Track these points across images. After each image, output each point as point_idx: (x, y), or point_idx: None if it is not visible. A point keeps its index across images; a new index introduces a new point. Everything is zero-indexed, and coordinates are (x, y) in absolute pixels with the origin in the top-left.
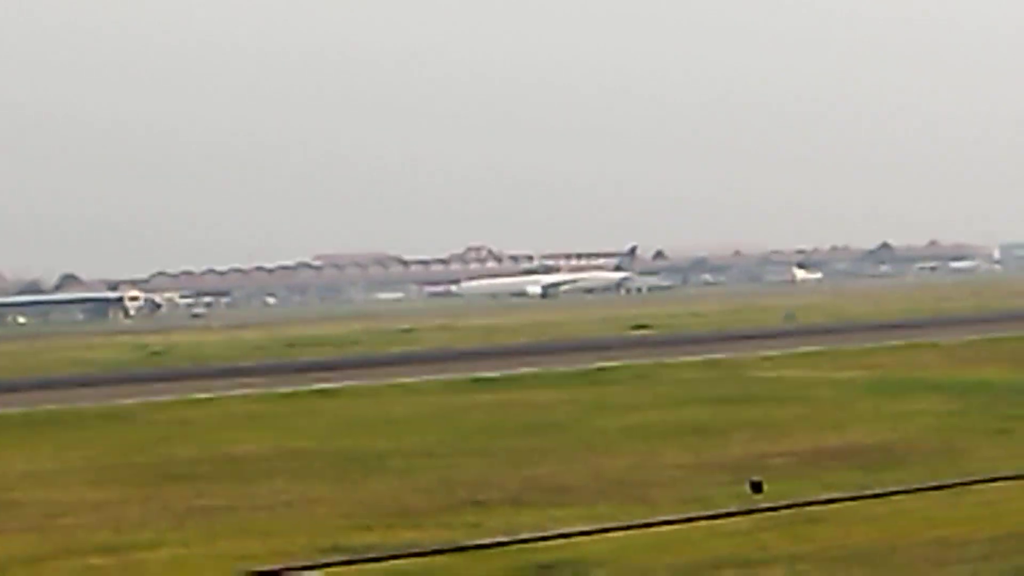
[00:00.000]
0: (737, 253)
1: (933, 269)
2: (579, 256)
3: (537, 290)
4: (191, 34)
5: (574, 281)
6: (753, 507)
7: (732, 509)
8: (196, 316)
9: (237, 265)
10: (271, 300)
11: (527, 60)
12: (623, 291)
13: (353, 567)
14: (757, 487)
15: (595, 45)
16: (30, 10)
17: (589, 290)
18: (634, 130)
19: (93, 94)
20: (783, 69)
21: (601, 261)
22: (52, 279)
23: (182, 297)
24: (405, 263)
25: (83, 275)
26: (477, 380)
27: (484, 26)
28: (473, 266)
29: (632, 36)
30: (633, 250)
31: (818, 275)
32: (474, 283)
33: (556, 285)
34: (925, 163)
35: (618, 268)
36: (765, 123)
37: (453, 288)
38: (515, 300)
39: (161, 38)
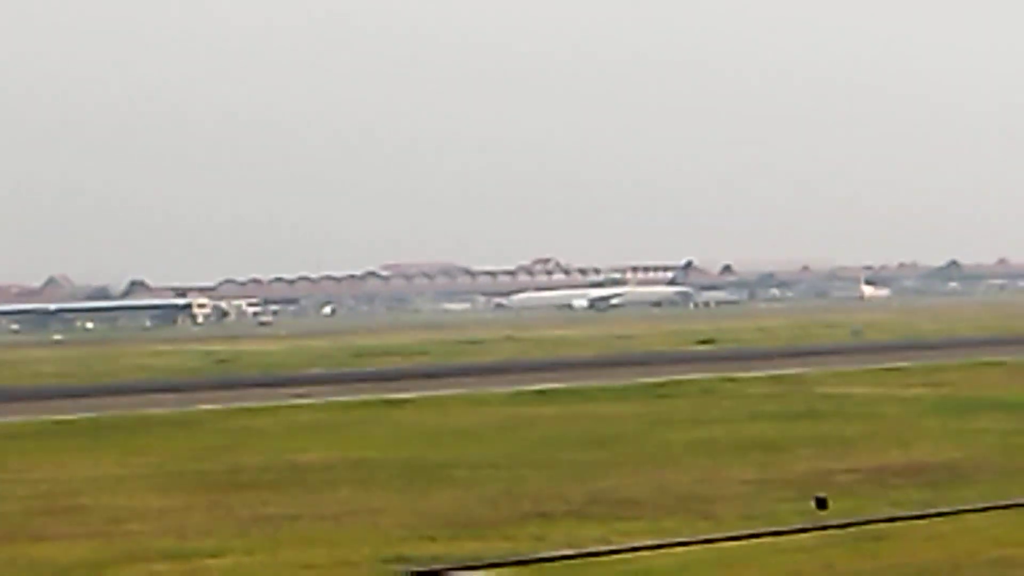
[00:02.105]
0: (805, 268)
1: (1002, 287)
2: (647, 269)
3: (584, 303)
4: (267, 29)
5: (620, 295)
6: (818, 523)
7: (797, 526)
8: (263, 324)
9: (305, 273)
10: (327, 310)
11: (594, 61)
12: (691, 305)
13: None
14: (822, 503)
15: (657, 41)
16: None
17: (657, 303)
18: (703, 142)
19: (166, 96)
20: (848, 75)
21: (660, 275)
22: (120, 285)
23: (250, 305)
24: (472, 274)
25: (151, 282)
26: (543, 392)
27: (558, 21)
28: (540, 278)
29: (694, 31)
30: (689, 264)
31: (886, 292)
32: (523, 295)
33: (604, 299)
34: (996, 179)
35: (672, 282)
36: (836, 135)
37: (503, 301)
38: (582, 313)
39: (230, 31)
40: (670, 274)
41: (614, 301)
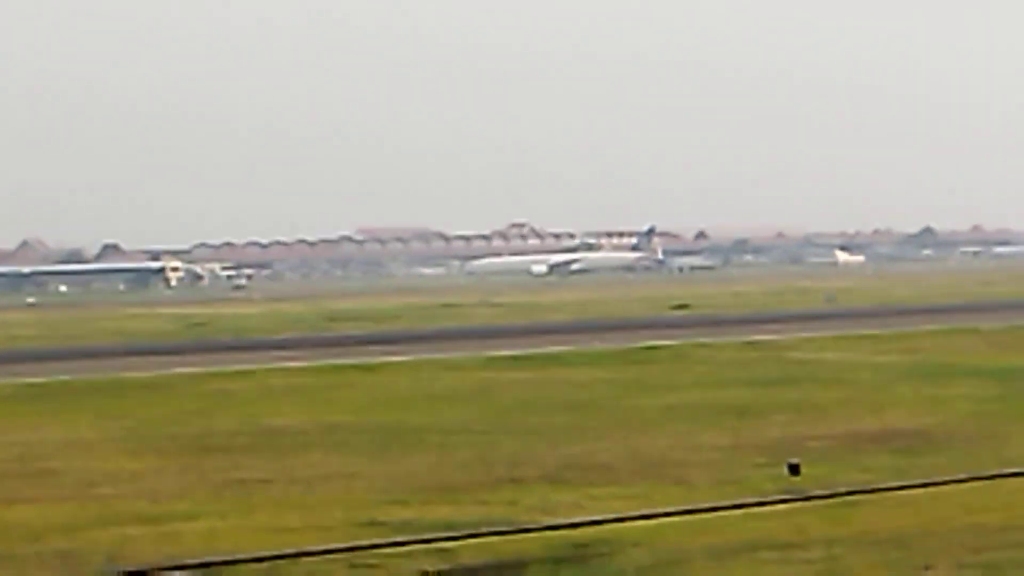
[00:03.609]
0: (779, 235)
1: (976, 254)
2: (621, 235)
3: (543, 269)
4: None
5: (577, 261)
6: (790, 490)
7: (772, 495)
8: (237, 288)
9: (279, 238)
10: (290, 275)
11: (568, 37)
12: (670, 271)
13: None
14: (795, 469)
15: (631, 21)
16: None
17: (628, 268)
18: (678, 110)
19: (140, 64)
20: (823, 45)
21: (624, 241)
22: (94, 249)
23: (224, 269)
24: (447, 239)
25: (125, 245)
26: (516, 357)
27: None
28: (515, 242)
29: (669, 5)
30: (651, 230)
31: (860, 258)
32: (484, 261)
33: (565, 264)
34: (969, 146)
35: (635, 248)
36: (808, 103)
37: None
38: (555, 278)
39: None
40: (625, 240)
41: (574, 267)
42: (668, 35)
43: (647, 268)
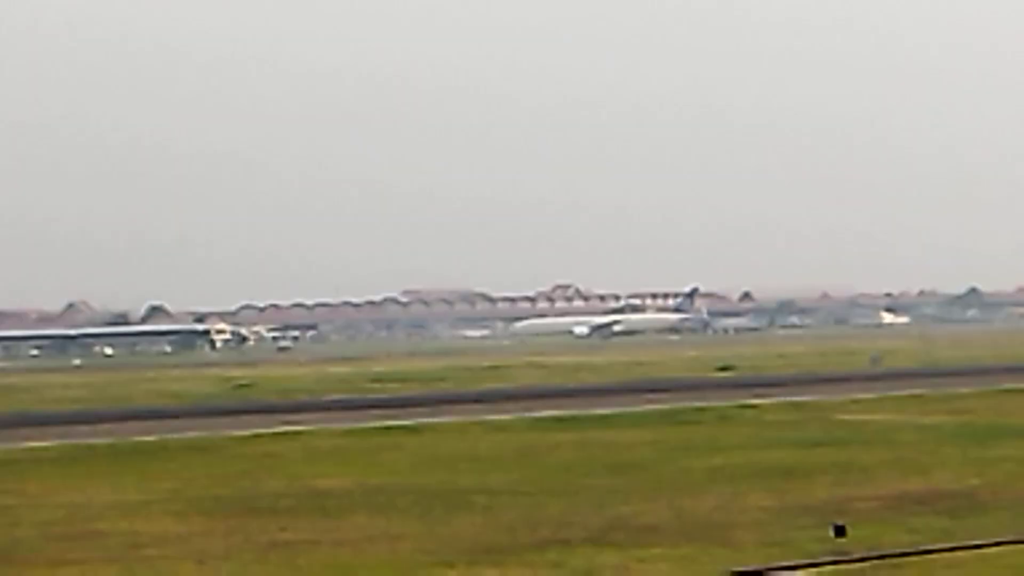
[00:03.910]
0: (824, 296)
1: (1022, 315)
2: (666, 296)
3: (584, 331)
4: (285, 60)
5: (619, 322)
6: (836, 551)
7: (818, 557)
8: (282, 349)
9: (325, 299)
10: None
11: (615, 98)
12: (709, 332)
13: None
14: (841, 531)
15: (681, 81)
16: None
17: (673, 330)
18: (723, 171)
19: (183, 124)
20: (870, 107)
21: (668, 303)
22: (140, 311)
23: (269, 330)
24: (492, 300)
25: (170, 307)
26: (562, 419)
27: (571, 59)
28: (559, 304)
29: (718, 67)
30: (694, 291)
31: (905, 319)
32: (526, 322)
33: (606, 326)
34: (1014, 207)
35: (677, 309)
36: (853, 165)
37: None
38: (597, 340)
39: (252, 64)
40: (698, 301)
41: (616, 328)
42: (714, 96)
43: (692, 330)
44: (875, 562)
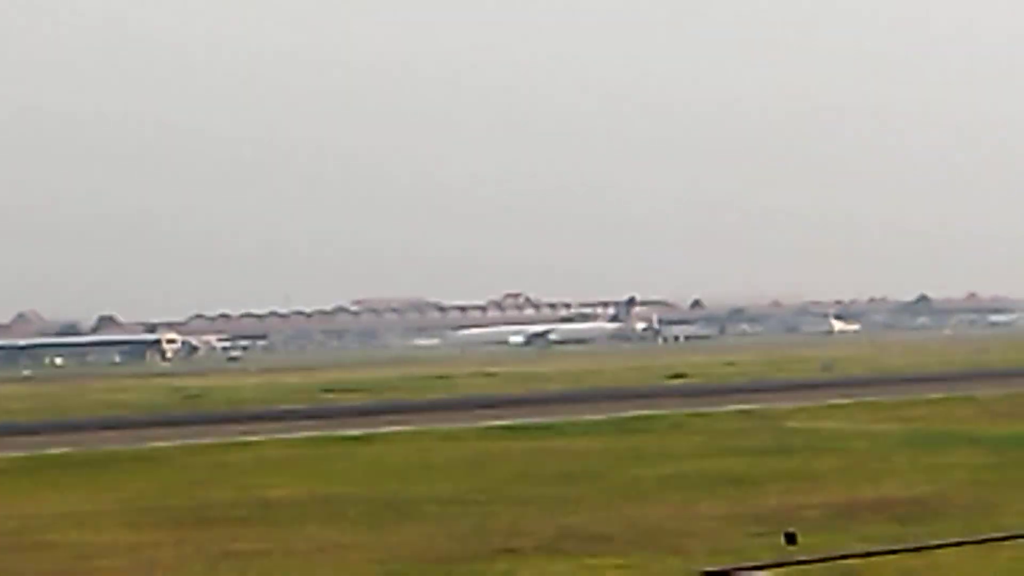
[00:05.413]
0: (775, 303)
1: (971, 322)
2: (617, 304)
3: (520, 340)
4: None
5: (553, 331)
6: (787, 559)
7: (767, 561)
8: (233, 359)
9: (275, 309)
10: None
11: (565, 103)
12: (660, 340)
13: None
14: (792, 538)
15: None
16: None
17: (582, 340)
18: (673, 179)
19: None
20: (813, 103)
21: (610, 311)
22: (90, 321)
23: (219, 340)
24: (442, 309)
25: (121, 317)
26: (513, 427)
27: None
28: (510, 313)
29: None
30: (631, 300)
31: (856, 326)
32: (464, 332)
33: (541, 335)
34: (964, 215)
35: (614, 319)
36: (804, 169)
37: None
38: (556, 348)
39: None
40: (647, 309)
41: (552, 337)
42: (662, 97)
43: (642, 338)
44: (829, 563)
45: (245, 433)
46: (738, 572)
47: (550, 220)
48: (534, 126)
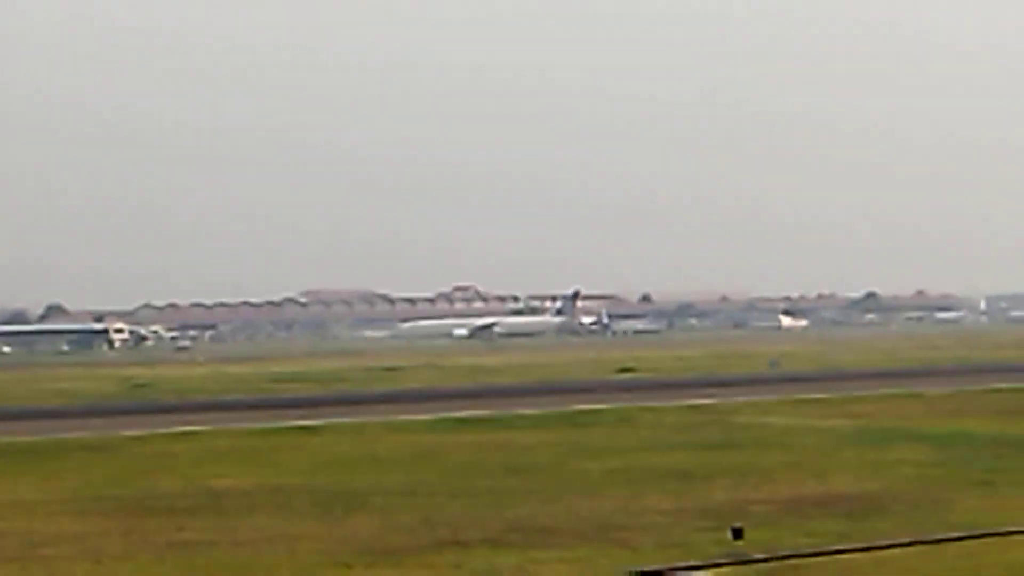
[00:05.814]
0: (723, 299)
1: (919, 319)
2: (563, 298)
3: (463, 332)
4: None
5: (495, 324)
6: (733, 554)
7: (715, 559)
8: (181, 349)
9: (224, 299)
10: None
11: (525, 103)
12: (609, 334)
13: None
14: (738, 533)
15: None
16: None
17: (528, 334)
18: (623, 175)
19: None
20: (764, 95)
21: (585, 304)
22: (38, 309)
23: (168, 330)
24: (392, 301)
25: (69, 306)
26: (461, 420)
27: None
28: (459, 305)
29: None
30: (575, 294)
31: (804, 323)
32: (409, 324)
33: (486, 328)
34: (912, 212)
35: (558, 312)
36: (755, 166)
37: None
38: (504, 340)
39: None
40: (596, 303)
41: (497, 330)
42: (617, 88)
43: (591, 332)
44: (775, 563)
45: (193, 423)
46: (673, 572)
47: (502, 213)
48: (485, 116)
